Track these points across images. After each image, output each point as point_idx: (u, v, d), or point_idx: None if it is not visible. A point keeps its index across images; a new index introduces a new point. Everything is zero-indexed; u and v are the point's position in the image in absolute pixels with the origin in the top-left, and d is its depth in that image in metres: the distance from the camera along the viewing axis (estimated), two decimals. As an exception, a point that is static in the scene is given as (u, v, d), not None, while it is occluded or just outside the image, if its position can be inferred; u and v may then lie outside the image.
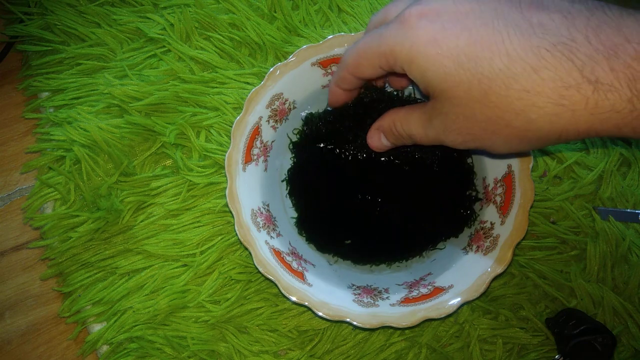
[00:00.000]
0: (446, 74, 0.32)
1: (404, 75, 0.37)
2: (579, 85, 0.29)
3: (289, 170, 0.50)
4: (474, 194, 0.48)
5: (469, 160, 0.48)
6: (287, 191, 0.50)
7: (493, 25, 0.31)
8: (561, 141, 0.32)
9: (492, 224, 0.45)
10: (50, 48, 0.56)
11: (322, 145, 0.48)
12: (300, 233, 0.48)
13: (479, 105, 0.32)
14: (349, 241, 0.47)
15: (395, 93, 0.48)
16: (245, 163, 0.47)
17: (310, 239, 0.48)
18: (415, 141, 0.39)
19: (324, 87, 0.50)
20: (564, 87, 0.29)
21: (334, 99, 0.45)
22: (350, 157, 0.48)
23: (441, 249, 0.47)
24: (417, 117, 0.38)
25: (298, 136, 0.50)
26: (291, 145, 0.50)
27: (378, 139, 0.43)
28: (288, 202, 0.50)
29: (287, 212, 0.49)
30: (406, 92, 0.50)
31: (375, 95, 0.47)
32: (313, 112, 0.50)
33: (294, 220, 0.49)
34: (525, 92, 0.30)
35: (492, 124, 0.32)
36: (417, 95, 0.50)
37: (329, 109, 0.49)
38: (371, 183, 0.48)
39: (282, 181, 0.50)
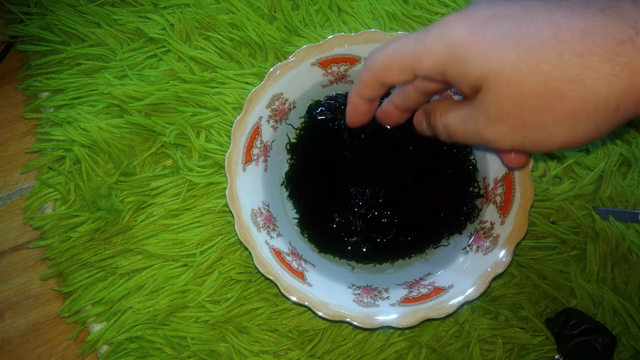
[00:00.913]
0: (489, 57, 0.30)
1: (438, 82, 0.35)
2: (634, 40, 0.28)
3: (286, 173, 0.50)
4: (475, 190, 0.48)
5: (472, 158, 0.49)
6: (287, 193, 0.50)
7: (533, 8, 0.30)
8: (621, 114, 0.29)
9: (492, 224, 0.45)
10: (50, 48, 0.56)
11: (327, 125, 0.48)
12: (302, 234, 0.48)
13: (530, 79, 0.29)
14: (353, 238, 0.47)
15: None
16: (245, 163, 0.47)
17: (312, 240, 0.48)
18: (450, 136, 0.36)
19: (324, 86, 0.50)
20: (618, 44, 0.28)
21: (354, 114, 0.42)
22: (351, 153, 0.48)
23: (445, 245, 0.47)
24: (458, 108, 0.35)
25: (297, 134, 0.50)
26: (288, 145, 0.50)
27: (421, 120, 0.40)
28: (288, 203, 0.50)
29: (287, 212, 0.49)
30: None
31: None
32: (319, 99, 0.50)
33: (295, 221, 0.49)
34: (578, 55, 0.28)
35: (545, 100, 0.30)
36: None
37: (331, 101, 0.50)
38: (373, 180, 0.48)
39: (281, 185, 0.50)
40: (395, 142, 0.48)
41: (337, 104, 0.49)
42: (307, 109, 0.50)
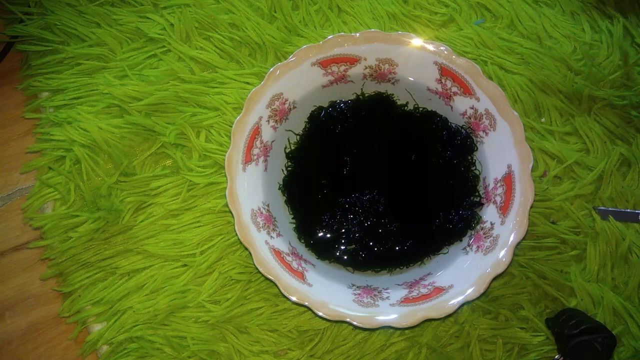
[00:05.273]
0: None
1: None
2: None
3: (284, 179, 0.49)
4: (477, 199, 0.47)
5: (473, 168, 0.48)
6: (285, 198, 0.49)
7: None
8: None
9: (492, 224, 0.45)
10: (50, 48, 0.56)
11: (330, 130, 0.48)
12: (299, 239, 0.48)
13: None
14: (351, 246, 0.47)
15: (393, 99, 0.49)
16: (245, 163, 0.47)
17: (309, 246, 0.48)
18: None
19: (324, 86, 0.50)
20: None
21: None
22: (352, 160, 0.48)
23: (445, 253, 0.47)
24: None
25: (298, 140, 0.50)
26: (288, 151, 0.50)
27: None
28: (287, 206, 0.49)
29: (287, 213, 0.49)
30: (410, 107, 0.51)
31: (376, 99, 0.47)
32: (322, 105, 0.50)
33: (294, 225, 0.49)
34: None
35: None
36: (419, 104, 0.50)
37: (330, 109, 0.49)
38: (373, 187, 0.48)
39: (279, 189, 0.49)
40: (397, 150, 0.48)
41: (339, 110, 0.49)
42: (309, 114, 0.50)
